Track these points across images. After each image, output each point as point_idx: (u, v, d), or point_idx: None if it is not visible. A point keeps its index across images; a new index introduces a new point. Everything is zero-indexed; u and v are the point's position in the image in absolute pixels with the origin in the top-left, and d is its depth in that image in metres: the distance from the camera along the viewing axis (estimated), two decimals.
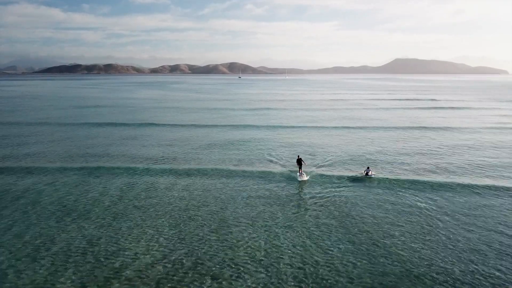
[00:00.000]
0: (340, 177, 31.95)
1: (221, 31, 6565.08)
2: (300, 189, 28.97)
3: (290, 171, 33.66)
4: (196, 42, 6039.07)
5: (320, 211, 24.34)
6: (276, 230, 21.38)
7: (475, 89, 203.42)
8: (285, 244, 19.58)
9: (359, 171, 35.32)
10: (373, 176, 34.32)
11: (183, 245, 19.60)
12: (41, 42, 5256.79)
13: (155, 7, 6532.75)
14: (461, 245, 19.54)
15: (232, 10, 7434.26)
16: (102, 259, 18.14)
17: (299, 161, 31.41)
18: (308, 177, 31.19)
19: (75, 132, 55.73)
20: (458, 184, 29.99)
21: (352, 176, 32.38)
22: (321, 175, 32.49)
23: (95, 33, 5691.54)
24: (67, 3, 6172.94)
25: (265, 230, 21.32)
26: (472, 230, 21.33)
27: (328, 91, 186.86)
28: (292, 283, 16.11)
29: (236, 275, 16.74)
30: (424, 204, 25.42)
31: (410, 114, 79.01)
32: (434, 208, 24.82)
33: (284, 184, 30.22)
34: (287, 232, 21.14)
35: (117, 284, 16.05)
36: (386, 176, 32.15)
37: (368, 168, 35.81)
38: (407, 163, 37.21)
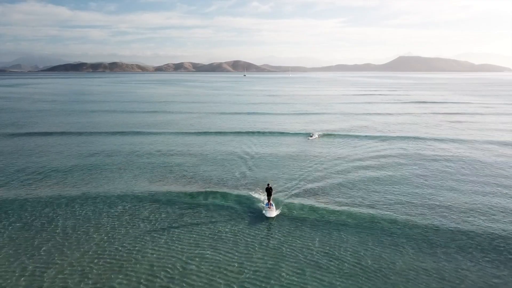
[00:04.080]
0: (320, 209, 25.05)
1: (226, 28, 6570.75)
2: (267, 233, 21.82)
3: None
4: (200, 39, 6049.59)
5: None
6: None
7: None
8: None
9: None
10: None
11: None
12: (47, 40, 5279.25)
13: (162, 5, 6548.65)
14: None
15: (238, 8, 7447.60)
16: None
17: (269, 190, 24.95)
18: (278, 211, 24.47)
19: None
20: None
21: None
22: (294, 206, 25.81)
23: (101, 31, 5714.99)
24: (74, 1, 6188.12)
25: None
26: None
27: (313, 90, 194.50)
28: None
29: None
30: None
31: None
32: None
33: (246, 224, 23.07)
34: None
35: None
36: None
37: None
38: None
